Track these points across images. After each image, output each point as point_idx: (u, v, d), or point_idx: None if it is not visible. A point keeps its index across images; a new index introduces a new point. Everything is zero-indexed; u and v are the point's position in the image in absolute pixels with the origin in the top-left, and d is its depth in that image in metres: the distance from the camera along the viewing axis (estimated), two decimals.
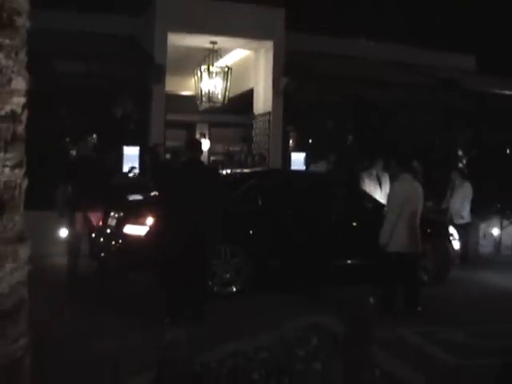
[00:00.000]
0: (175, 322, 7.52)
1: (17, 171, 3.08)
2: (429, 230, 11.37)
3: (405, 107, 16.14)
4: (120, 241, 9.87)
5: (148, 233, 9.46)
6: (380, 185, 12.56)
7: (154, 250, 8.81)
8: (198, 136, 19.11)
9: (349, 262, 10.57)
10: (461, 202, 13.26)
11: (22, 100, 3.11)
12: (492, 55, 21.19)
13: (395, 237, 8.70)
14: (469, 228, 13.41)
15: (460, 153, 17.30)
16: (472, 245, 13.98)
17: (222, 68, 16.41)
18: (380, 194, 12.21)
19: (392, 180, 10.42)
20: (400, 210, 8.72)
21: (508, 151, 17.97)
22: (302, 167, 15.30)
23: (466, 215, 13.32)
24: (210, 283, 9.07)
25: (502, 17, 23.86)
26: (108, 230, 10.32)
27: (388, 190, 12.50)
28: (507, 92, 17.54)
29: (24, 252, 3.16)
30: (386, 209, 9.27)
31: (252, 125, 17.08)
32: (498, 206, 15.01)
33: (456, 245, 11.71)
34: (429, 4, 24.22)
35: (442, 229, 11.95)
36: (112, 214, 10.40)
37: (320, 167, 13.59)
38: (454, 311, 9.13)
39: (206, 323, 7.71)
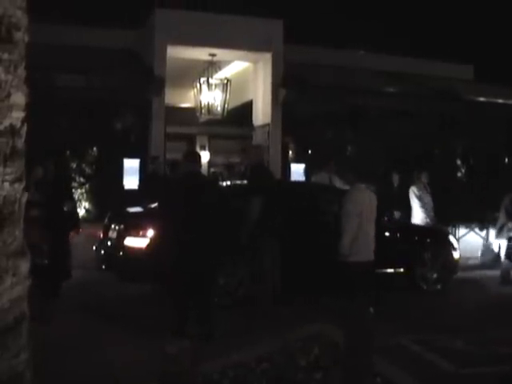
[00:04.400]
0: (179, 334, 7.50)
1: (16, 186, 3.07)
2: (428, 239, 11.41)
3: (403, 117, 16.16)
4: (121, 253, 9.90)
5: (149, 245, 9.48)
6: None
7: (155, 262, 8.82)
8: (198, 148, 19.11)
9: None
10: None
11: (21, 114, 3.11)
12: (490, 65, 21.26)
13: (357, 247, 8.33)
14: None
15: (458, 162, 17.33)
16: None
17: (221, 80, 16.46)
18: None
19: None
20: (360, 219, 8.36)
21: (506, 160, 17.98)
22: (302, 178, 15.36)
23: None
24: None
25: (500, 27, 23.98)
26: (109, 243, 10.35)
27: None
28: (504, 101, 17.59)
29: (24, 266, 3.16)
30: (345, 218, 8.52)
31: (251, 136, 17.11)
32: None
33: (456, 254, 11.72)
34: (427, 15, 24.33)
35: (442, 237, 11.98)
36: (113, 226, 10.44)
37: (322, 178, 13.55)
38: (454, 319, 9.13)
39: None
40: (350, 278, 8.34)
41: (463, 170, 17.27)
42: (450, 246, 11.73)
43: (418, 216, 13.41)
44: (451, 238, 12.27)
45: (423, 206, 13.47)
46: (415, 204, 13.52)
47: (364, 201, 8.48)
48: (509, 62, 23.43)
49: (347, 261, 8.28)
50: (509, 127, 17.40)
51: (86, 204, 14.47)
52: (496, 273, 13.38)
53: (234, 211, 9.31)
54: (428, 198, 13.49)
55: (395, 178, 14.21)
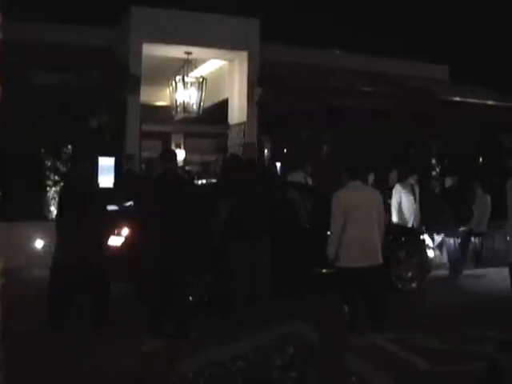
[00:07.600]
0: (154, 334, 7.47)
1: None
2: (402, 238, 11.49)
3: (379, 117, 16.21)
4: None
5: (124, 243, 9.42)
6: None
7: (130, 261, 8.78)
8: (173, 146, 19.06)
9: (323, 270, 10.57)
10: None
11: None
12: (465, 66, 21.44)
13: (344, 250, 7.94)
14: None
15: (433, 162, 17.44)
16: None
17: (196, 78, 16.42)
18: None
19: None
20: (344, 220, 7.94)
21: (481, 160, 18.14)
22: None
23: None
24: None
25: (475, 29, 24.24)
26: None
27: None
28: (479, 101, 17.74)
29: None
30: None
31: (227, 135, 17.08)
32: None
33: (430, 253, 11.80)
34: (404, 16, 24.51)
35: (416, 237, 12.05)
36: None
37: (298, 177, 13.58)
38: (429, 318, 9.20)
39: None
40: (341, 284, 8.06)
41: (438, 170, 17.38)
42: (425, 245, 11.82)
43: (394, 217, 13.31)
44: (425, 236, 12.36)
45: (400, 207, 13.21)
46: (393, 203, 13.28)
47: (350, 200, 8.01)
48: (484, 63, 23.69)
49: (337, 266, 8.03)
50: (483, 127, 17.55)
51: None
52: (467, 272, 13.48)
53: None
54: (408, 201, 13.17)
55: (370, 178, 14.22)
